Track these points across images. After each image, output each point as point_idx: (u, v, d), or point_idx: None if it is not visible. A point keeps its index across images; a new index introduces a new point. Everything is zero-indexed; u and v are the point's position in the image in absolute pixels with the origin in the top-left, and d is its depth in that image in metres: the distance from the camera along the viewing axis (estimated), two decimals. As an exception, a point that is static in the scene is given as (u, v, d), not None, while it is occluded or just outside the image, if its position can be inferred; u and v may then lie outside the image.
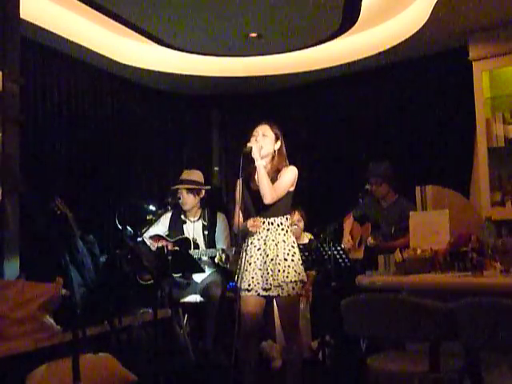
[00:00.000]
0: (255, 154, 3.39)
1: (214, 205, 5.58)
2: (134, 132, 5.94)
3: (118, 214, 4.15)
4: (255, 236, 3.47)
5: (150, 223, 4.65)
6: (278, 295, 3.40)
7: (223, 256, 4.55)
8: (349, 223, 5.11)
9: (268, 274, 3.39)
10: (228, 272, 4.85)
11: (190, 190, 4.80)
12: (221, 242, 4.78)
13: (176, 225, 4.88)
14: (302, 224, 5.11)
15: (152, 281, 4.43)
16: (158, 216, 4.73)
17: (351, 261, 4.60)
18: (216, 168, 6.61)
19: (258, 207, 3.46)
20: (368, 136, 5.84)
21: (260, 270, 3.42)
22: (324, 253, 4.43)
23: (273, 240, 3.44)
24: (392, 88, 5.72)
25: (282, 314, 3.49)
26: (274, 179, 3.46)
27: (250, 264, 3.45)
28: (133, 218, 5.08)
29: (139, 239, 4.05)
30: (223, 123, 6.69)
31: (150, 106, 6.18)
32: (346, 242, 4.98)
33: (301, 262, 3.49)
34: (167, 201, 4.82)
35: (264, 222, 3.46)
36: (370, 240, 4.79)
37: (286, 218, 3.50)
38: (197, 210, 4.88)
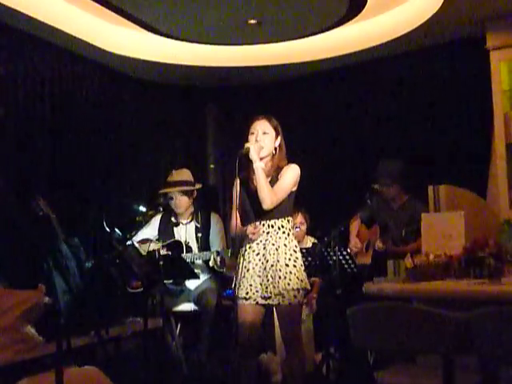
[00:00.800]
0: (253, 156, 3.38)
1: (209, 205, 5.58)
2: (122, 127, 5.94)
3: (106, 215, 4.15)
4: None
5: (140, 225, 4.67)
6: (279, 304, 3.40)
7: (218, 259, 4.55)
8: (355, 226, 5.11)
9: (268, 281, 3.39)
10: (224, 278, 4.85)
11: (184, 192, 4.80)
12: (216, 244, 4.78)
13: (166, 228, 4.87)
14: (304, 227, 5.11)
15: (142, 288, 4.43)
16: (148, 217, 4.74)
17: (358, 266, 4.61)
18: (211, 166, 6.61)
19: (257, 209, 3.45)
20: (376, 131, 5.84)
21: (259, 276, 3.42)
22: (328, 258, 4.43)
23: (273, 244, 3.44)
24: (402, 79, 5.72)
25: (283, 324, 3.49)
26: (274, 178, 3.46)
27: (248, 270, 3.44)
28: (121, 219, 5.09)
29: (128, 242, 4.06)
30: (219, 117, 6.68)
31: (139, 98, 6.17)
32: (353, 246, 4.98)
33: (303, 268, 3.48)
34: (158, 201, 4.82)
35: (264, 225, 3.45)
36: (379, 244, 4.79)
37: (288, 221, 3.49)
38: (189, 212, 4.88)
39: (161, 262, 3.98)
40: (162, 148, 6.41)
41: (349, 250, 4.71)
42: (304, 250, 4.30)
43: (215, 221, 4.87)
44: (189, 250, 4.74)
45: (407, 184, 4.90)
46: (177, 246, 4.72)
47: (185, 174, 4.91)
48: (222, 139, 6.65)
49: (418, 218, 3.83)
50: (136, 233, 4.75)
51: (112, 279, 3.95)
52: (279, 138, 3.51)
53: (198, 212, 4.89)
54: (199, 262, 4.71)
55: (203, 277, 4.79)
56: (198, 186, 4.92)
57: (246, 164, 3.44)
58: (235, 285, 3.49)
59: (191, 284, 4.78)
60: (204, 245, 4.78)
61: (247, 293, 3.42)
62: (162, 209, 4.81)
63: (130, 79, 6.09)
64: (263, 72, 6.06)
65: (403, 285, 3.26)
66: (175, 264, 4.26)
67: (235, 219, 3.50)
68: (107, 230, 3.94)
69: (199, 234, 4.81)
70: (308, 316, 4.85)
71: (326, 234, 4.50)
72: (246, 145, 3.42)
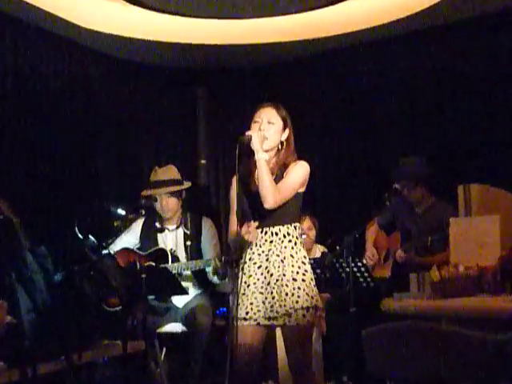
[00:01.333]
0: (256, 145, 3.34)
1: (199, 207, 5.58)
2: (99, 114, 5.94)
3: (78, 220, 4.15)
4: (254, 250, 3.45)
5: (119, 231, 4.66)
6: (285, 324, 3.37)
7: (220, 264, 4.52)
8: (372, 232, 5.12)
9: (273, 298, 3.36)
10: (218, 294, 4.85)
11: (172, 194, 4.78)
12: (208, 254, 4.77)
13: (149, 234, 4.87)
14: (312, 233, 5.12)
15: (121, 305, 4.42)
16: (128, 222, 4.73)
17: (375, 280, 4.61)
18: (203, 161, 6.61)
19: (258, 212, 3.42)
20: (395, 122, 5.85)
21: (261, 293, 3.40)
22: (340, 270, 4.44)
23: (277, 255, 3.41)
24: (426, 60, 5.72)
25: (290, 348, 3.45)
26: (279, 177, 3.43)
27: (248, 286, 3.43)
28: (97, 224, 5.07)
29: (104, 251, 4.05)
30: (212, 103, 6.69)
31: (118, 81, 6.18)
32: (369, 256, 4.98)
33: (314, 282, 3.46)
34: (139, 203, 4.81)
35: (266, 233, 3.44)
36: (400, 253, 4.79)
37: (295, 227, 3.47)
38: (177, 216, 4.87)
39: (143, 275, 3.97)
40: (145, 140, 6.42)
41: (364, 261, 4.72)
42: (312, 261, 4.29)
43: (207, 226, 4.86)
44: (175, 260, 4.73)
45: (433, 184, 4.91)
46: (160, 256, 4.71)
47: (171, 172, 4.90)
48: (216, 130, 6.65)
49: (445, 223, 3.84)
50: (114, 240, 4.74)
51: (85, 295, 3.95)
52: (287, 130, 3.49)
53: (187, 216, 4.88)
54: (187, 273, 4.70)
55: (193, 292, 4.78)
56: (187, 184, 4.91)
57: (247, 156, 3.42)
58: (232, 303, 3.47)
59: (179, 301, 4.77)
60: (194, 254, 4.77)
61: (247, 312, 3.40)
62: (144, 212, 4.80)
63: (110, 60, 6.10)
64: (263, 51, 6.06)
65: (428, 302, 3.26)
66: (160, 277, 4.26)
67: (234, 225, 3.48)
68: (80, 236, 3.93)
69: (188, 242, 4.80)
70: (316, 338, 4.86)
71: (337, 241, 4.50)
72: (248, 132, 3.39)
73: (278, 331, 3.62)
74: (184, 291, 4.42)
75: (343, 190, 6.02)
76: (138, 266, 4.21)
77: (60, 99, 5.60)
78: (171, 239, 4.84)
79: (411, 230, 4.90)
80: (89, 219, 5.41)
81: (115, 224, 4.79)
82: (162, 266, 4.55)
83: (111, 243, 4.64)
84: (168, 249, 4.75)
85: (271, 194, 3.33)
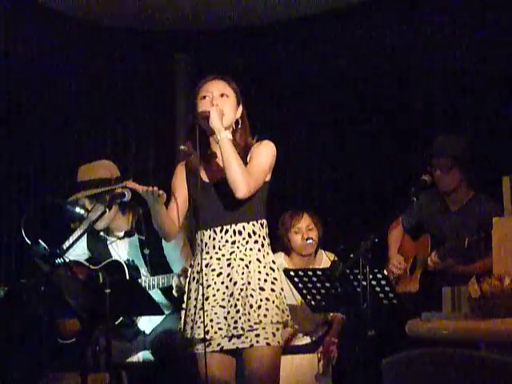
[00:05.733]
0: (215, 123, 3.40)
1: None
2: (49, 89, 5.94)
3: (25, 221, 4.14)
4: (212, 254, 3.50)
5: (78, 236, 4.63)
6: (252, 346, 3.41)
7: (184, 282, 4.48)
8: (396, 236, 5.12)
9: (237, 312, 3.40)
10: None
11: (96, 198, 4.67)
12: (177, 261, 4.74)
13: (98, 244, 4.84)
14: (314, 234, 5.09)
15: (79, 328, 4.41)
16: (90, 224, 4.68)
17: (399, 296, 4.61)
18: (182, 147, 6.58)
19: (216, 206, 3.50)
20: (428, 99, 5.85)
21: (223, 307, 3.44)
22: (356, 283, 4.43)
23: (241, 259, 3.46)
24: (455, 18, 5.74)
25: (257, 375, 3.47)
26: (242, 161, 3.48)
27: (207, 299, 3.46)
28: (49, 226, 5.07)
29: (59, 261, 4.04)
30: (192, 74, 6.69)
31: (75, 47, 6.17)
32: (396, 264, 4.98)
33: (283, 293, 3.53)
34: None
35: (227, 232, 3.48)
36: (434, 258, 4.76)
37: (262, 225, 3.54)
38: (121, 222, 4.79)
39: (107, 290, 3.96)
40: (111, 121, 6.42)
41: (386, 272, 4.71)
42: (319, 272, 4.30)
43: None
44: (133, 273, 4.69)
45: (473, 175, 4.91)
46: (115, 270, 4.66)
47: (98, 169, 4.76)
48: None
49: (488, 223, 3.83)
50: (71, 246, 4.72)
51: (34, 315, 3.95)
52: (241, 106, 3.59)
53: (140, 218, 4.79)
54: (154, 291, 4.64)
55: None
56: (126, 182, 4.76)
57: (200, 139, 3.48)
58: (185, 322, 3.52)
59: (146, 324, 4.77)
60: (157, 265, 4.73)
61: (207, 331, 3.42)
62: (108, 210, 4.76)
63: (64, 19, 6.09)
64: (253, 7, 6.09)
65: (465, 323, 3.26)
66: (129, 292, 4.24)
67: (175, 214, 3.57)
68: (27, 241, 3.93)
69: (146, 251, 4.76)
70: (325, 370, 4.86)
71: (351, 248, 4.50)
72: (202, 108, 3.46)
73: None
74: (159, 310, 4.40)
75: (358, 183, 6.03)
76: (101, 279, 4.21)
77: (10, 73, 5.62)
78: (124, 249, 4.80)
79: (444, 232, 4.90)
80: (39, 220, 5.43)
81: (72, 226, 4.78)
82: (132, 280, 4.54)
83: (67, 250, 4.61)
84: (123, 260, 4.71)
85: (243, 180, 3.38)
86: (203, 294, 3.45)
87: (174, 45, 6.63)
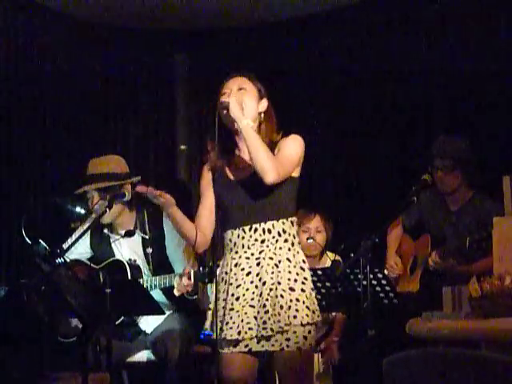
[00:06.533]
0: (236, 112, 3.36)
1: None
2: (51, 89, 5.93)
3: (26, 220, 4.15)
4: (241, 253, 3.45)
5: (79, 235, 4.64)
6: (282, 350, 3.36)
7: (184, 281, 4.48)
8: (396, 236, 5.13)
9: (266, 313, 3.35)
10: (198, 312, 4.82)
11: (105, 192, 4.67)
12: (178, 261, 4.74)
13: (101, 243, 4.84)
14: (322, 237, 5.09)
15: (80, 329, 4.41)
16: (91, 224, 4.69)
17: (400, 296, 4.62)
18: (183, 146, 6.59)
19: (243, 206, 3.45)
20: (430, 99, 5.86)
21: (252, 306, 3.39)
22: (356, 283, 4.43)
23: (271, 258, 3.42)
24: (456, 18, 5.72)
25: (287, 379, 3.48)
26: None
27: (237, 299, 3.42)
28: (49, 226, 5.07)
29: (59, 260, 4.05)
30: (194, 73, 6.69)
31: (76, 47, 6.16)
32: (392, 265, 4.98)
33: (314, 293, 3.48)
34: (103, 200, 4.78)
35: (256, 230, 3.44)
36: (435, 258, 4.76)
37: (292, 223, 3.49)
38: (126, 218, 4.80)
39: (107, 290, 3.96)
40: (111, 120, 6.41)
41: (386, 272, 4.71)
42: (320, 272, 4.30)
43: (171, 225, 4.79)
44: (136, 273, 4.70)
45: (473, 175, 4.91)
46: (116, 269, 4.67)
47: (107, 164, 4.79)
48: (198, 108, 6.64)
49: (488, 222, 3.84)
50: (71, 246, 4.72)
51: (35, 315, 3.95)
52: (265, 101, 3.54)
53: (144, 216, 4.81)
54: (155, 291, 4.65)
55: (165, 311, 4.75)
56: (134, 179, 4.79)
57: (223, 136, 3.46)
58: (215, 323, 3.46)
59: (147, 324, 4.77)
60: (158, 265, 4.74)
61: (239, 332, 3.38)
62: (108, 210, 4.77)
63: (65, 20, 6.09)
64: (254, 8, 6.07)
65: (466, 322, 3.26)
66: (130, 292, 4.25)
67: (204, 221, 3.54)
68: (27, 241, 3.93)
69: (149, 250, 4.76)
70: (326, 369, 4.86)
71: (351, 247, 4.50)
72: (223, 98, 3.43)
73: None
74: (160, 310, 4.41)
75: (359, 183, 6.03)
76: (102, 279, 4.21)
77: (7, 71, 5.61)
78: (127, 247, 4.80)
79: (444, 231, 4.90)
80: (39, 219, 5.43)
81: (73, 225, 4.79)
82: (133, 279, 4.54)
83: (68, 250, 4.61)
84: (125, 260, 4.72)
85: (272, 165, 3.33)
86: (233, 294, 3.43)
87: (174, 45, 6.61)
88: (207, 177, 3.59)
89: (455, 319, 3.38)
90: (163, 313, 4.50)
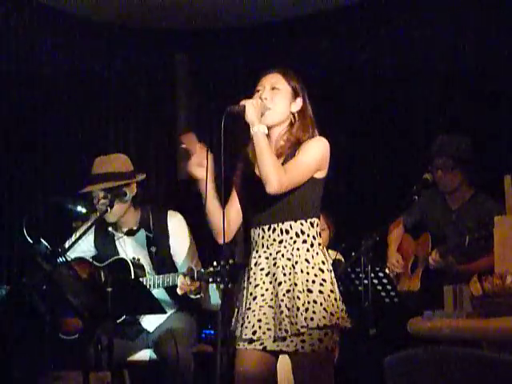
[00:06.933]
0: (250, 116, 3.30)
1: (167, 202, 5.50)
2: (51, 88, 5.93)
3: (27, 220, 4.15)
4: (261, 253, 3.42)
5: (80, 234, 4.65)
6: (297, 351, 3.32)
7: (188, 281, 4.47)
8: (397, 235, 5.12)
9: (281, 313, 3.31)
10: (200, 311, 4.82)
11: (110, 192, 4.67)
12: (182, 260, 4.74)
13: (105, 240, 4.83)
14: (325, 235, 5.09)
15: (81, 327, 4.42)
16: (92, 223, 4.69)
17: (400, 294, 4.62)
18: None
19: (260, 204, 3.41)
20: (425, 96, 5.86)
21: (271, 307, 3.36)
22: (357, 282, 4.44)
23: (288, 259, 3.36)
24: (456, 18, 5.71)
25: (302, 382, 3.42)
26: (290, 157, 3.42)
27: (254, 298, 3.39)
28: (50, 225, 5.07)
29: (60, 260, 4.05)
30: (194, 73, 6.68)
31: (76, 46, 6.17)
32: (394, 263, 4.98)
33: (335, 296, 3.40)
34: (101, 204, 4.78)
35: (274, 230, 3.40)
36: (435, 256, 4.75)
37: (311, 224, 3.43)
38: (131, 217, 4.79)
39: (109, 288, 3.97)
40: (111, 119, 6.41)
41: (387, 271, 4.72)
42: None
43: (175, 223, 4.76)
44: (139, 272, 4.70)
45: (473, 173, 4.91)
46: (120, 268, 4.66)
47: (114, 162, 4.79)
48: (198, 106, 6.65)
49: (488, 221, 3.84)
50: (72, 245, 4.73)
51: (36, 314, 3.95)
52: (299, 100, 3.48)
53: (148, 214, 4.80)
54: (158, 290, 4.65)
55: (167, 311, 4.75)
56: (139, 177, 4.79)
57: (243, 135, 3.42)
58: (237, 321, 3.44)
59: (149, 323, 4.77)
60: (163, 263, 4.73)
61: (254, 332, 3.34)
62: (110, 210, 4.77)
63: (66, 18, 6.09)
64: (253, 7, 6.07)
65: (467, 321, 3.26)
66: (131, 290, 4.25)
67: (233, 213, 3.51)
68: (29, 240, 3.93)
69: (153, 248, 4.76)
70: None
71: (353, 246, 4.51)
72: (241, 102, 3.36)
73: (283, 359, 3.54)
74: (161, 309, 4.41)
75: (360, 182, 6.04)
76: (103, 278, 4.21)
77: (7, 69, 5.61)
78: (131, 246, 4.80)
79: (445, 230, 4.90)
80: (41, 219, 5.43)
81: (74, 225, 4.79)
82: (134, 278, 4.54)
83: (69, 249, 4.62)
84: (129, 258, 4.71)
85: (274, 174, 3.27)
86: (251, 293, 3.40)
87: (175, 45, 6.60)
88: (240, 173, 3.55)
89: (456, 318, 3.37)
90: (164, 312, 4.50)
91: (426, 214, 5.05)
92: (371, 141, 6.02)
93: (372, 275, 4.41)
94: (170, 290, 4.63)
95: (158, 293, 4.61)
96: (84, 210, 4.48)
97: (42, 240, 3.94)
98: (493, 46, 5.55)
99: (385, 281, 4.51)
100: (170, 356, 4.54)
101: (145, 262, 4.73)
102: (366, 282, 4.35)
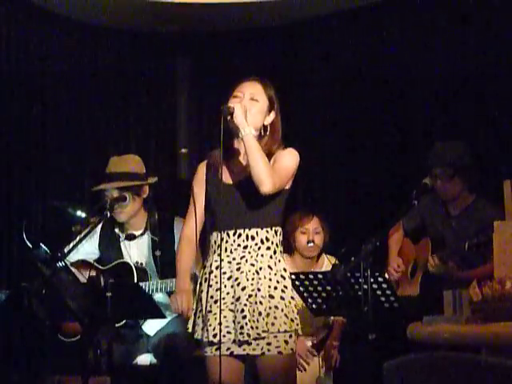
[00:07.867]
0: (239, 118, 3.36)
1: (172, 207, 5.51)
2: (52, 91, 5.94)
3: (27, 224, 4.15)
4: (223, 257, 3.47)
5: (79, 239, 4.65)
6: (263, 354, 3.40)
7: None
8: (396, 240, 5.11)
9: (244, 318, 3.37)
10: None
11: (125, 191, 4.70)
12: None
13: (110, 243, 4.84)
14: (320, 238, 5.09)
15: (80, 331, 4.41)
16: (90, 227, 4.70)
17: (400, 300, 4.62)
18: (184, 150, 6.59)
19: (230, 211, 3.47)
20: (425, 100, 5.85)
21: (232, 311, 3.42)
22: (357, 287, 4.43)
23: (252, 264, 3.44)
24: (456, 23, 5.72)
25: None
26: None
27: (215, 302, 3.44)
28: (50, 230, 5.07)
29: (60, 264, 4.06)
30: (195, 78, 6.69)
31: (78, 50, 6.18)
32: (395, 267, 4.98)
33: (294, 302, 3.49)
34: (104, 203, 4.79)
35: (240, 236, 3.46)
36: (434, 260, 4.75)
37: (276, 232, 3.51)
38: (140, 219, 4.82)
39: (108, 293, 3.97)
40: (111, 123, 6.41)
41: (387, 276, 4.71)
42: (321, 275, 4.31)
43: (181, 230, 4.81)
44: (142, 276, 4.70)
45: (473, 179, 4.91)
46: (123, 272, 4.67)
47: (127, 163, 4.82)
48: (199, 110, 6.65)
49: (488, 227, 3.84)
50: (71, 249, 4.73)
51: (35, 318, 3.95)
52: (273, 113, 3.54)
53: (155, 218, 4.83)
54: (160, 295, 4.66)
55: (168, 315, 4.76)
56: (151, 180, 4.84)
57: (227, 138, 3.45)
58: (195, 324, 3.50)
59: (150, 327, 4.77)
60: (167, 268, 4.73)
61: (215, 335, 3.40)
62: (108, 214, 4.78)
63: (68, 22, 6.11)
64: (261, 11, 6.07)
65: (466, 327, 3.26)
66: (130, 295, 4.25)
67: (191, 224, 3.57)
68: (28, 245, 3.93)
69: (158, 252, 4.77)
70: (326, 373, 4.86)
71: (352, 251, 4.50)
72: (229, 104, 3.42)
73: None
74: (161, 313, 4.42)
75: (360, 186, 6.03)
76: (102, 282, 4.21)
77: (7, 72, 5.62)
78: (136, 249, 4.81)
79: (445, 236, 4.90)
80: (40, 224, 5.43)
81: (73, 229, 4.79)
82: (133, 283, 4.54)
83: (68, 253, 4.63)
84: (133, 262, 4.72)
85: (268, 175, 3.35)
86: (212, 296, 3.46)
87: (177, 47, 6.61)
88: (201, 176, 3.61)
89: (456, 323, 3.38)
90: (164, 317, 4.50)
91: (426, 218, 5.04)
92: (371, 144, 6.02)
93: (371, 280, 4.40)
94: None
95: (160, 297, 4.63)
96: (84, 214, 4.49)
97: (42, 244, 3.94)
98: (492, 53, 5.56)
99: (384, 286, 4.49)
100: (169, 361, 4.54)
101: (149, 265, 4.74)
102: (365, 286, 4.35)
